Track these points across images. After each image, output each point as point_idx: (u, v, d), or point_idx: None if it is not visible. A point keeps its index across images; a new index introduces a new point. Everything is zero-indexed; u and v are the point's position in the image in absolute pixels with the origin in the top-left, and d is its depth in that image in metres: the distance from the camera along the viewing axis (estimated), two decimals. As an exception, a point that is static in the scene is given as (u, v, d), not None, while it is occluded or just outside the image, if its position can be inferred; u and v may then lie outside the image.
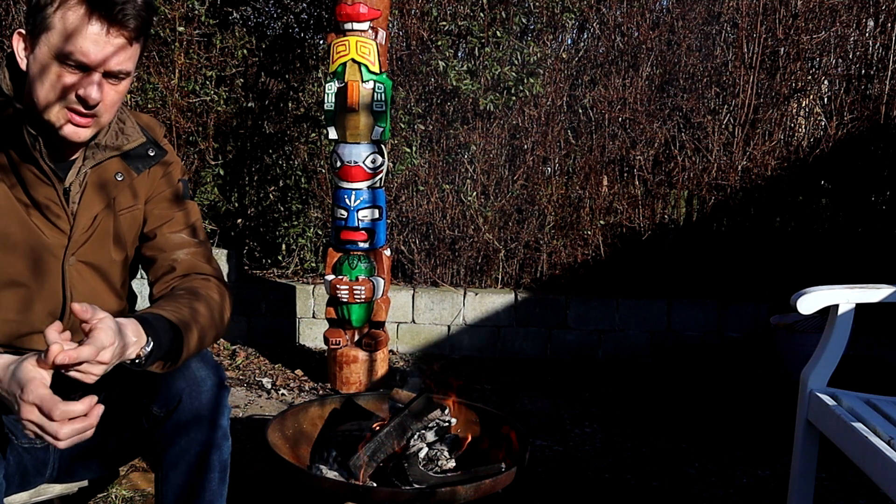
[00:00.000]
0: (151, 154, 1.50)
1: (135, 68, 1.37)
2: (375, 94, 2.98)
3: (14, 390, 1.16)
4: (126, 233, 1.49)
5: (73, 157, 1.41)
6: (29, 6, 1.32)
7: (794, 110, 3.85)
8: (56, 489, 1.55)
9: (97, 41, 1.27)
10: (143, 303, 1.54)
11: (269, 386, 3.30)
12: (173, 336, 1.32)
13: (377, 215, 3.11)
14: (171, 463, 1.43)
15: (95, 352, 1.14)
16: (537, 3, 3.71)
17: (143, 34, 1.34)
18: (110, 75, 1.31)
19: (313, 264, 4.05)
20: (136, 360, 1.25)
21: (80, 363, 1.14)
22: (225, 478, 1.47)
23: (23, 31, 1.34)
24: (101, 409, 1.17)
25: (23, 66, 1.33)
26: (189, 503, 1.44)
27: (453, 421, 2.14)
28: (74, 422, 1.14)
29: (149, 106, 3.80)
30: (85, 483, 1.59)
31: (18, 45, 1.34)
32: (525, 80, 3.67)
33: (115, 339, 1.17)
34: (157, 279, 1.51)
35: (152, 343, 1.26)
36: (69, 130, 1.32)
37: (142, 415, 1.44)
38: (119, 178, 1.46)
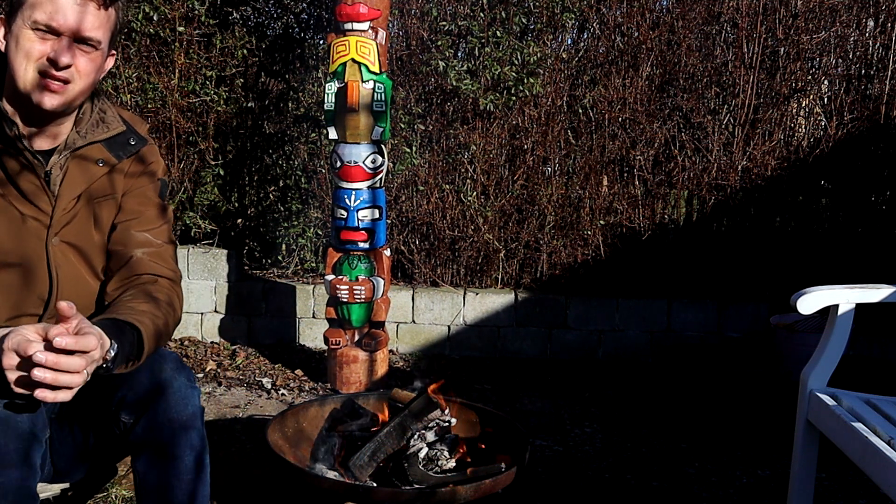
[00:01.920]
0: (132, 143, 1.54)
1: (109, 41, 1.42)
2: (375, 94, 2.98)
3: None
4: (105, 219, 1.52)
5: (55, 146, 1.45)
6: None
7: (794, 110, 3.85)
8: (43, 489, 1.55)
9: (66, 4, 1.34)
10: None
11: (269, 386, 3.30)
12: (133, 338, 1.34)
13: (377, 215, 3.11)
14: (146, 468, 1.43)
15: (87, 351, 1.17)
16: (537, 3, 3.71)
17: (114, 2, 1.40)
18: (82, 41, 1.36)
19: (313, 264, 4.05)
20: (103, 365, 1.26)
21: (72, 353, 1.15)
22: (204, 477, 1.46)
23: (2, 16, 1.42)
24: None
25: (1, 47, 1.40)
26: None
27: (453, 421, 2.14)
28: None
29: (149, 106, 3.80)
30: (66, 485, 1.59)
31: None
32: (525, 80, 3.67)
33: (97, 345, 1.19)
34: (111, 273, 1.53)
35: (116, 346, 1.28)
36: (42, 96, 1.36)
37: (112, 423, 1.44)
38: (100, 165, 1.49)
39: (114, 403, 1.42)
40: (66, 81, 1.37)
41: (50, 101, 1.37)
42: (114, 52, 1.49)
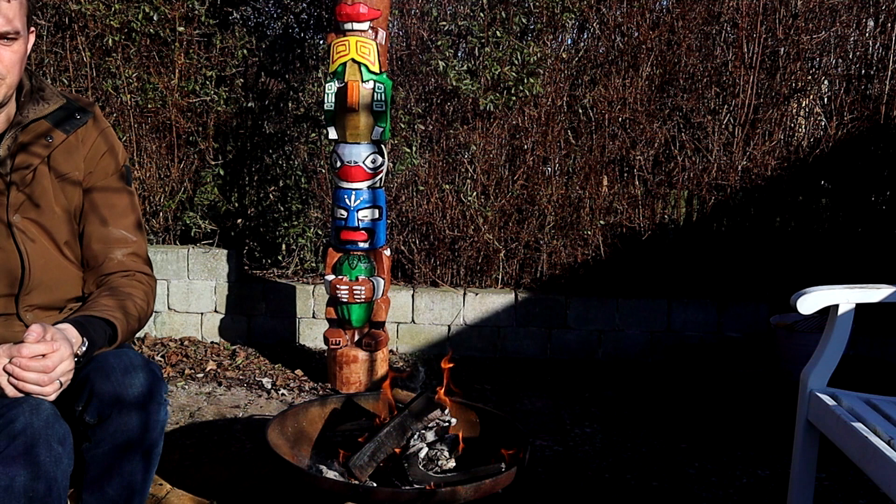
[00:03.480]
0: (78, 116, 1.56)
1: (26, 26, 1.45)
2: (375, 94, 2.98)
3: None
4: (68, 197, 1.55)
5: (4, 130, 1.49)
6: None
7: (794, 110, 3.85)
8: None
9: None
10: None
11: (269, 386, 3.30)
12: (105, 332, 1.43)
13: (377, 215, 3.11)
14: (97, 475, 1.44)
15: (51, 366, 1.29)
16: (537, 3, 3.71)
17: None
18: (1, 37, 1.39)
19: (313, 264, 4.05)
20: (75, 359, 1.34)
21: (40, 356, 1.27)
22: (150, 468, 1.50)
23: None
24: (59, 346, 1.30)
25: None
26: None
27: (453, 421, 2.14)
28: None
29: (149, 106, 3.80)
30: None
31: None
32: (525, 80, 3.67)
33: (69, 354, 1.31)
34: (89, 269, 1.59)
35: (87, 342, 1.38)
36: None
37: (76, 421, 1.44)
38: (49, 140, 1.52)
39: (78, 402, 1.42)
40: None
41: None
42: (33, 28, 1.51)
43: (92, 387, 1.39)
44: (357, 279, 3.12)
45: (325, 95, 3.03)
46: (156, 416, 1.45)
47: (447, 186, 3.82)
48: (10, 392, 1.29)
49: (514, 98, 3.71)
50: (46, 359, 1.28)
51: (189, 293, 3.84)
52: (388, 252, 3.21)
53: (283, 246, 4.11)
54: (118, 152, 1.63)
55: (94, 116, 1.60)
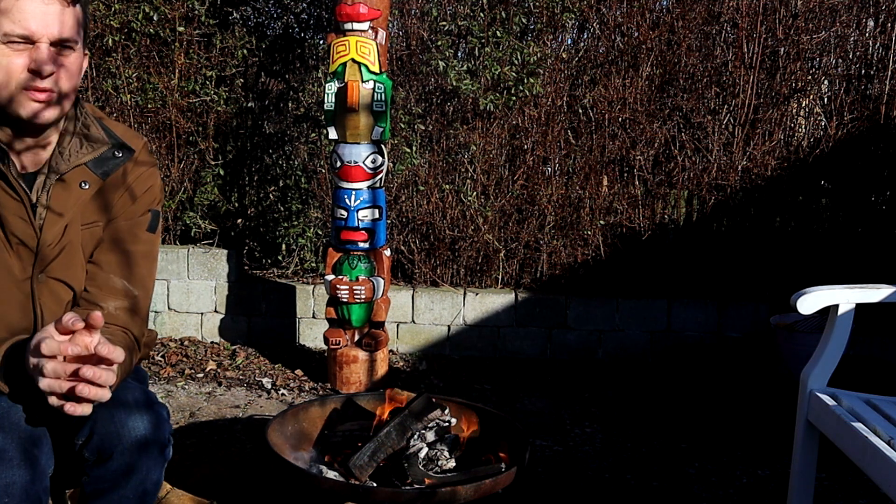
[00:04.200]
0: (118, 155, 1.44)
1: (82, 39, 1.36)
2: (375, 94, 2.98)
3: (34, 360, 1.19)
4: (95, 238, 1.45)
5: (39, 168, 1.39)
6: None
7: (794, 110, 3.85)
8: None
9: (33, 10, 1.27)
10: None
11: (269, 386, 3.30)
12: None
13: (377, 215, 3.11)
14: None
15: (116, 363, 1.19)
16: (537, 3, 3.71)
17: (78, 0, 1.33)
18: (59, 44, 1.30)
19: (313, 264, 4.05)
20: None
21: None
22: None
23: None
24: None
25: None
26: None
27: (453, 421, 2.14)
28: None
29: (149, 106, 3.80)
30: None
31: None
32: (525, 80, 3.67)
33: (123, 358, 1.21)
34: (77, 304, 1.45)
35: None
36: (34, 111, 1.30)
37: (74, 454, 1.40)
38: (84, 187, 1.41)
39: (78, 437, 1.38)
40: (52, 90, 1.30)
41: (45, 114, 1.31)
42: (87, 52, 1.42)
43: (94, 424, 1.35)
44: (357, 279, 3.12)
45: (325, 95, 3.03)
46: (158, 458, 1.40)
47: (447, 186, 3.82)
48: (60, 403, 1.18)
49: (514, 98, 3.71)
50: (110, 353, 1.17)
51: (189, 293, 3.84)
52: (388, 252, 3.21)
53: (283, 246, 4.11)
54: (153, 195, 1.51)
55: (135, 156, 1.47)
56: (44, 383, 1.17)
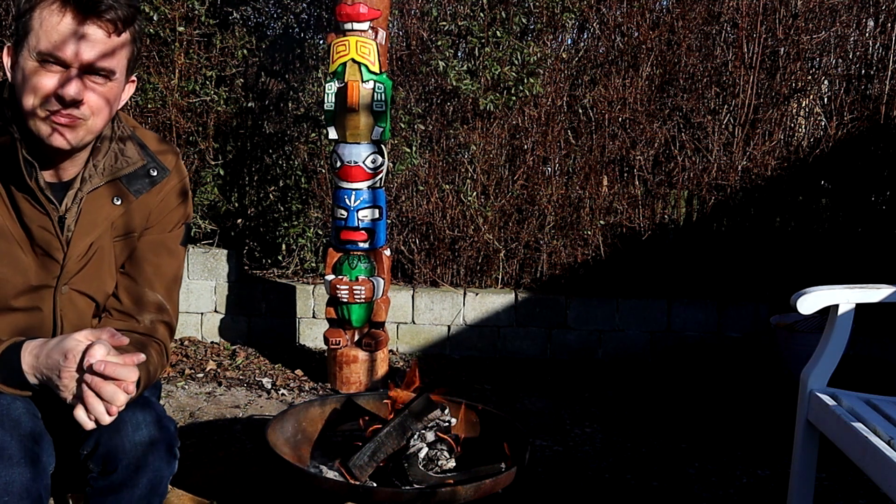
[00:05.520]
0: (154, 174, 1.41)
1: (125, 70, 1.29)
2: (375, 94, 2.98)
3: (56, 358, 1.19)
4: (123, 250, 1.44)
5: (71, 178, 1.35)
6: (13, 16, 1.29)
7: (794, 110, 3.85)
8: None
9: (72, 34, 1.20)
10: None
11: (269, 386, 3.30)
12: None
13: (377, 215, 3.11)
14: None
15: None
16: (537, 3, 3.71)
17: (127, 27, 1.25)
18: (92, 72, 1.23)
19: (313, 264, 4.05)
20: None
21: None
22: None
23: (9, 45, 1.29)
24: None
25: (10, 79, 1.28)
26: None
27: (453, 421, 2.14)
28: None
29: (149, 106, 3.80)
30: None
31: (6, 61, 1.29)
32: (525, 80, 3.67)
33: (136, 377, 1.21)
34: (111, 316, 1.45)
35: None
36: (51, 135, 1.24)
37: (79, 464, 1.39)
38: (116, 203, 1.38)
39: (84, 447, 1.37)
40: (76, 118, 1.24)
41: (59, 141, 1.25)
42: (133, 78, 1.36)
43: (100, 437, 1.33)
44: (357, 279, 3.12)
45: (325, 95, 3.03)
46: (164, 473, 1.39)
47: (447, 186, 3.82)
48: (72, 399, 1.19)
49: (514, 98, 3.71)
50: (128, 372, 1.17)
51: (189, 293, 3.83)
52: (388, 252, 3.21)
53: (283, 246, 4.11)
54: (186, 207, 1.48)
55: (170, 174, 1.44)
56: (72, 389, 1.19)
